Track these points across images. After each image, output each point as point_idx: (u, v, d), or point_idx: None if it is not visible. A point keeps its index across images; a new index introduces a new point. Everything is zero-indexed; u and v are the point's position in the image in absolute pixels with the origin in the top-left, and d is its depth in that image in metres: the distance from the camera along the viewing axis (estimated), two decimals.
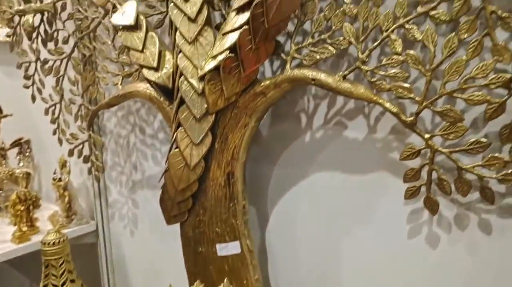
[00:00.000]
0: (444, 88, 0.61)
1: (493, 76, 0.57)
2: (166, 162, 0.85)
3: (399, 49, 0.64)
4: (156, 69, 0.83)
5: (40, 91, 1.20)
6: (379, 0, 0.64)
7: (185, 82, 0.78)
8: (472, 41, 0.58)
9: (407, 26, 0.62)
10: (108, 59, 1.02)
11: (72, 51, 1.09)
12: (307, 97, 0.83)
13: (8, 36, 1.21)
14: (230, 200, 0.84)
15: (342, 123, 0.79)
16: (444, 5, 0.60)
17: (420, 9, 0.61)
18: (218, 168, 0.83)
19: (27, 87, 1.22)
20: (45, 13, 1.09)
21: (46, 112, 1.21)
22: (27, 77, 1.21)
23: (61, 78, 1.14)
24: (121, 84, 1.00)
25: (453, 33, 0.59)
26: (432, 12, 0.60)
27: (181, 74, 0.79)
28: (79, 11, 1.05)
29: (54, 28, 1.10)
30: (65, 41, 1.10)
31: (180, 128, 0.81)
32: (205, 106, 0.78)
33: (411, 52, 0.63)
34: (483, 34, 0.57)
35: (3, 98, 1.59)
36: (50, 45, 1.12)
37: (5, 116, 1.54)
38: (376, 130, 0.75)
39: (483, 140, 0.59)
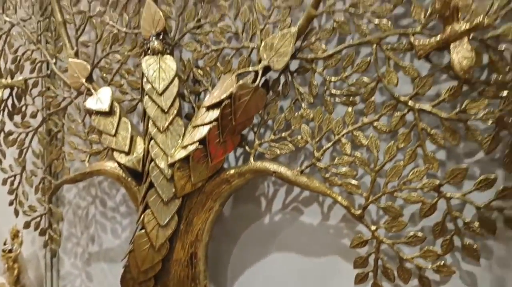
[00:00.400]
0: (387, 187, 0.71)
1: (426, 180, 0.67)
2: (131, 242, 0.87)
3: (348, 151, 0.74)
4: (127, 153, 0.88)
5: (0, 161, 1.20)
6: (331, 108, 0.75)
7: (156, 168, 0.84)
8: (408, 150, 0.69)
9: (354, 132, 0.73)
10: (77, 136, 1.05)
11: (40, 125, 1.12)
12: (267, 183, 0.90)
13: None
14: (192, 280, 0.87)
15: (299, 208, 0.87)
16: (385, 118, 0.71)
17: (365, 120, 0.72)
18: (182, 249, 0.87)
19: None
20: (15, 88, 1.13)
21: (4, 182, 1.20)
22: None
23: (24, 150, 1.15)
24: (88, 161, 1.03)
25: (392, 142, 0.70)
26: (375, 123, 0.71)
27: (152, 160, 0.84)
28: (49, 89, 1.09)
29: (23, 102, 1.13)
30: (33, 116, 1.13)
31: (147, 210, 0.85)
32: (173, 190, 0.83)
33: (358, 154, 0.73)
34: (417, 145, 0.68)
35: None
36: (17, 117, 1.15)
37: None
38: (329, 217, 0.83)
39: (420, 234, 0.69)
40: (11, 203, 1.20)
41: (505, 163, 0.62)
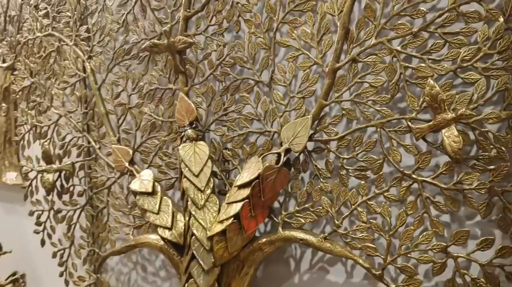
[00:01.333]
0: (401, 250, 0.81)
1: (434, 242, 0.78)
2: None
3: (364, 218, 0.85)
4: (170, 229, 1.00)
5: (50, 236, 1.33)
6: (346, 181, 0.87)
7: (196, 241, 0.96)
8: (416, 216, 0.80)
9: (368, 202, 0.84)
10: (121, 211, 1.19)
11: (86, 203, 1.26)
12: (294, 246, 1.01)
13: (23, 187, 1.37)
14: None
15: (325, 268, 0.97)
16: (394, 188, 0.83)
17: (376, 191, 0.84)
18: None
19: (38, 233, 1.35)
20: (63, 171, 1.27)
21: (54, 255, 1.33)
22: (38, 224, 1.34)
23: (73, 226, 1.28)
24: (132, 234, 1.15)
25: (402, 209, 0.81)
26: (386, 193, 0.83)
27: (193, 234, 0.96)
28: (94, 170, 1.24)
29: (70, 183, 1.28)
30: (80, 195, 1.27)
31: (190, 279, 0.96)
32: (213, 260, 0.95)
33: (374, 221, 0.84)
34: (423, 212, 0.79)
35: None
36: (65, 197, 1.29)
37: (5, 253, 1.62)
38: (352, 275, 0.93)
39: None
40: (61, 275, 1.32)
41: (500, 226, 0.73)
